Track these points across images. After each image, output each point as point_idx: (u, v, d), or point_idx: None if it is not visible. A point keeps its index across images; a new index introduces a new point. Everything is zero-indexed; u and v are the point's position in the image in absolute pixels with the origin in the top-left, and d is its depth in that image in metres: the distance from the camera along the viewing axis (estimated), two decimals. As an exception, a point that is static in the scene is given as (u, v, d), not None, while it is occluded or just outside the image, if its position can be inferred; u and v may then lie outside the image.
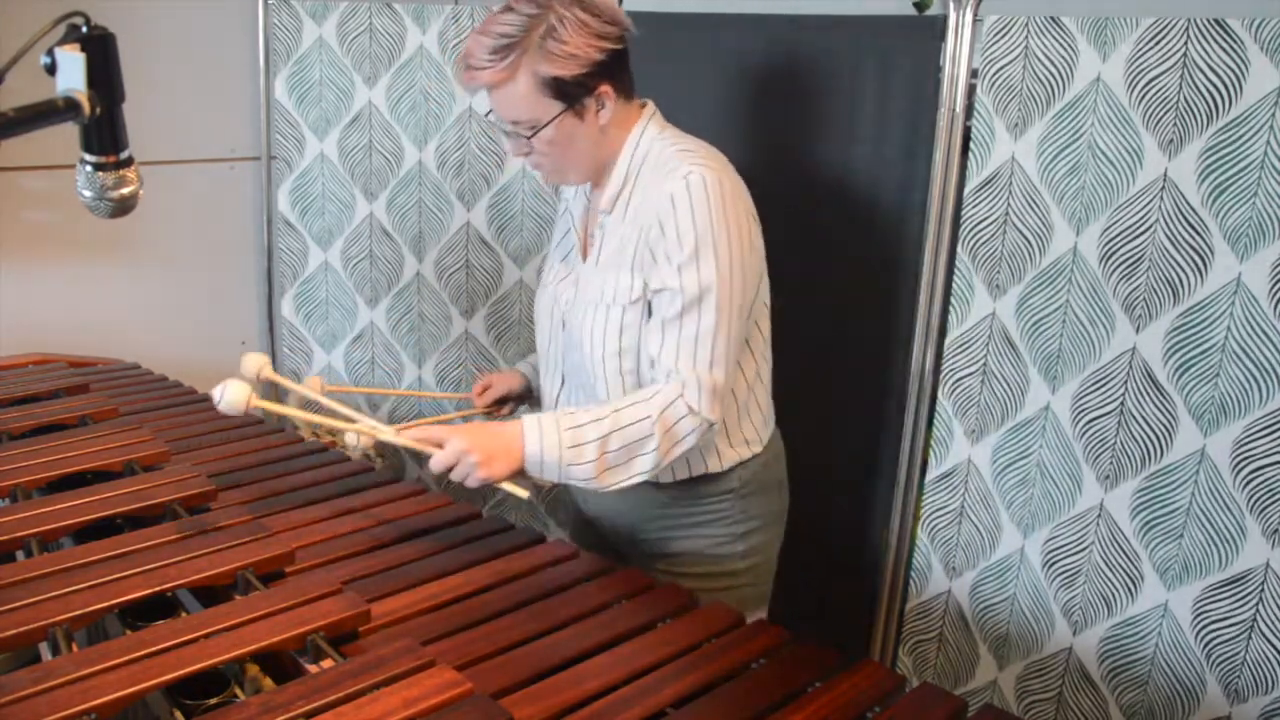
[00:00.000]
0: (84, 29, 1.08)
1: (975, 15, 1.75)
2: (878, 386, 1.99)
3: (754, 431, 1.47)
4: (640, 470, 1.29)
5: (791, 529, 1.64)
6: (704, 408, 1.29)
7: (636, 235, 1.34)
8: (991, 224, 1.80)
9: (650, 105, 1.41)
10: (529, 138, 1.33)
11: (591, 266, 1.41)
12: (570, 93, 1.29)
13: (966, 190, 1.81)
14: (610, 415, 1.27)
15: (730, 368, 1.33)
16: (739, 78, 2.04)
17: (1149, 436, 1.65)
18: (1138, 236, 1.62)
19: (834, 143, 1.98)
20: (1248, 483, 1.55)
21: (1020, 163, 1.75)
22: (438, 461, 1.24)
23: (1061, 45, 1.67)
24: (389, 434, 1.28)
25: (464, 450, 1.23)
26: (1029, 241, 1.76)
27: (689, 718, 0.99)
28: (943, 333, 1.90)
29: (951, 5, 1.77)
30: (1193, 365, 1.59)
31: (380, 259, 2.58)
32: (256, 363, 1.53)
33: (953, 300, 1.87)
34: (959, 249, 1.84)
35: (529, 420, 1.27)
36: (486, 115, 1.41)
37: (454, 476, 1.25)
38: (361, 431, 1.31)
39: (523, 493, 1.28)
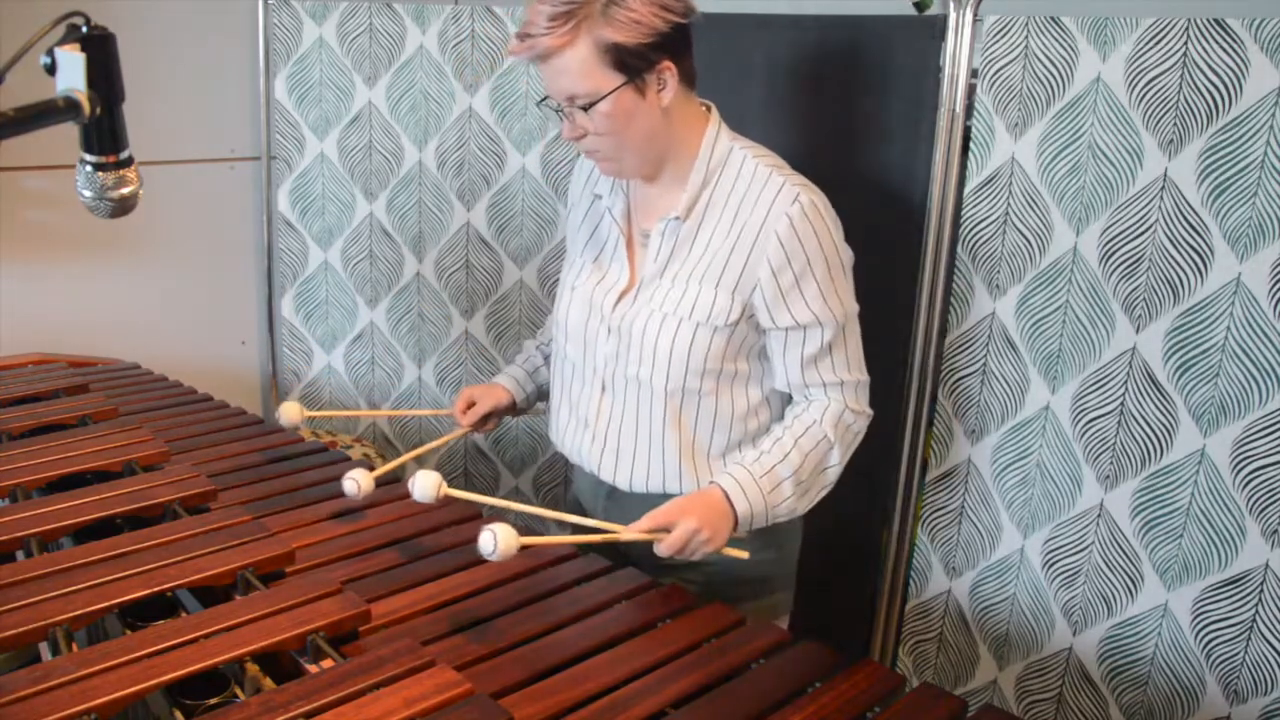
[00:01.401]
0: (84, 29, 1.08)
1: (975, 15, 1.75)
2: (878, 386, 1.99)
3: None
4: (830, 481, 1.40)
5: (791, 529, 1.64)
6: (864, 405, 1.42)
7: (729, 252, 1.31)
8: (991, 224, 1.80)
9: (715, 110, 1.38)
10: (586, 108, 1.26)
11: (655, 275, 1.37)
12: (631, 64, 1.24)
13: (966, 190, 1.81)
14: (794, 448, 1.34)
15: (864, 362, 1.43)
16: (739, 78, 2.04)
17: (1149, 436, 1.65)
18: (1138, 236, 1.62)
19: (834, 143, 1.98)
20: (1247, 483, 1.55)
21: (1020, 163, 1.75)
22: (669, 545, 1.24)
23: (1061, 45, 1.67)
24: (627, 534, 1.27)
25: (695, 529, 1.25)
26: (1029, 241, 1.76)
27: (689, 718, 0.99)
28: (943, 333, 1.90)
29: (951, 5, 1.77)
30: (1193, 365, 1.59)
31: (380, 259, 2.58)
32: (294, 411, 1.58)
33: (953, 300, 1.87)
34: (959, 249, 1.84)
35: (727, 483, 1.31)
36: (541, 102, 1.37)
37: (683, 555, 1.26)
38: (596, 540, 1.30)
39: (743, 554, 1.30)
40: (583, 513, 1.54)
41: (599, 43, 1.22)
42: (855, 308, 1.39)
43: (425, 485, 1.27)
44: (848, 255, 1.37)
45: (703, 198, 1.34)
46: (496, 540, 1.14)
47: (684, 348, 1.33)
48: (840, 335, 1.36)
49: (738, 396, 1.39)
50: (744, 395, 1.40)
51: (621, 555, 1.37)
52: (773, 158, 1.37)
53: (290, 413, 1.56)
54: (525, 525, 1.26)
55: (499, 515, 1.47)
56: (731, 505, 1.29)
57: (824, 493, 1.39)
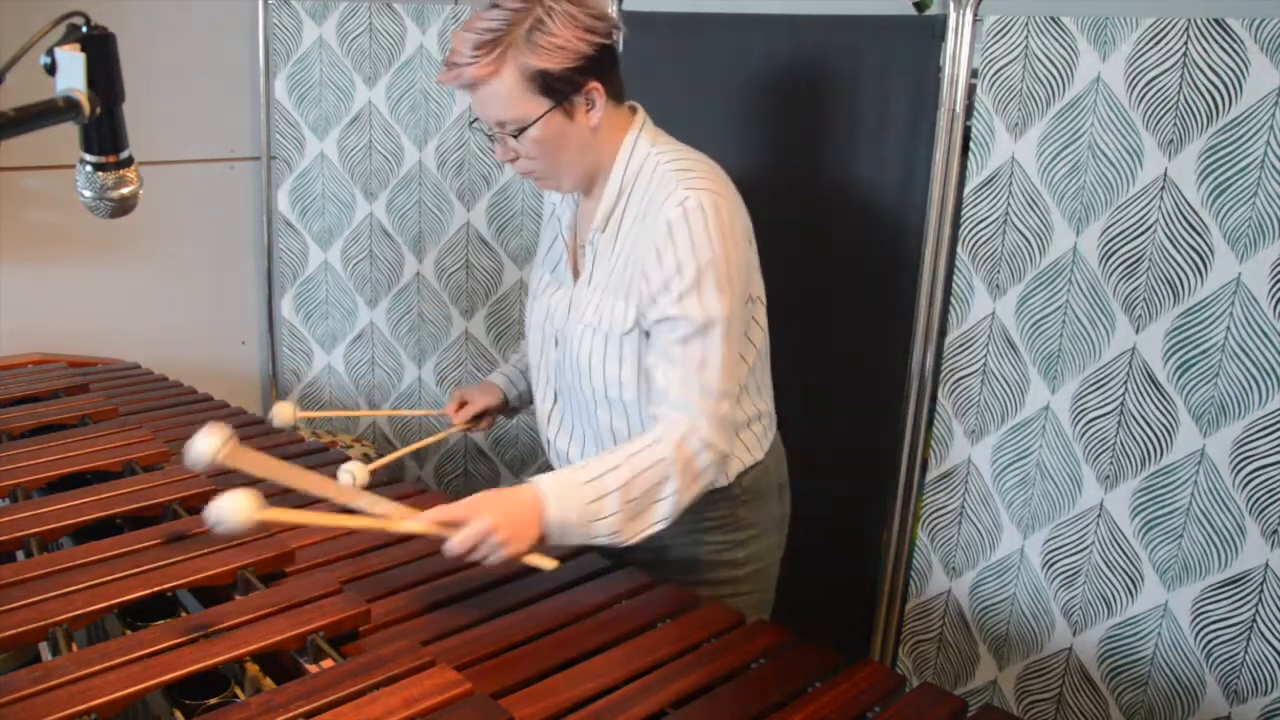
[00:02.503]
0: (84, 29, 1.08)
1: (975, 15, 1.75)
2: (878, 386, 1.99)
3: (753, 439, 1.44)
4: (661, 516, 1.23)
5: (791, 529, 1.64)
6: (717, 439, 1.24)
7: (630, 261, 1.29)
8: (991, 224, 1.80)
9: (640, 111, 1.36)
10: (515, 136, 1.26)
11: (584, 286, 1.37)
12: (558, 88, 1.24)
13: (966, 190, 1.81)
14: (626, 461, 1.20)
15: (735, 394, 1.29)
16: (739, 78, 2.04)
17: (1149, 436, 1.65)
18: (1138, 236, 1.62)
19: (834, 143, 1.98)
20: (1247, 483, 1.55)
21: (1020, 163, 1.75)
22: (458, 545, 1.12)
23: (1061, 45, 1.67)
24: (405, 523, 1.16)
25: (489, 529, 1.11)
26: (1029, 241, 1.76)
27: (689, 718, 0.99)
28: (943, 333, 1.90)
29: (951, 5, 1.77)
30: (1193, 365, 1.59)
31: (380, 259, 2.58)
32: (288, 411, 1.57)
33: (953, 300, 1.87)
34: (959, 249, 1.84)
35: (544, 482, 1.18)
36: (472, 124, 1.35)
37: (475, 557, 1.13)
38: (376, 527, 1.17)
39: (551, 564, 1.19)
40: None
41: (524, 70, 1.22)
42: (724, 319, 1.24)
43: (281, 413, 1.30)
44: (734, 261, 1.25)
45: (618, 208, 1.33)
46: (221, 511, 1.03)
47: (600, 360, 1.33)
48: (699, 345, 1.24)
49: None
50: None
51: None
52: (687, 159, 1.31)
53: (283, 413, 1.56)
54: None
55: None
56: (543, 509, 1.15)
57: (654, 529, 1.23)
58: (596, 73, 1.26)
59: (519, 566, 1.21)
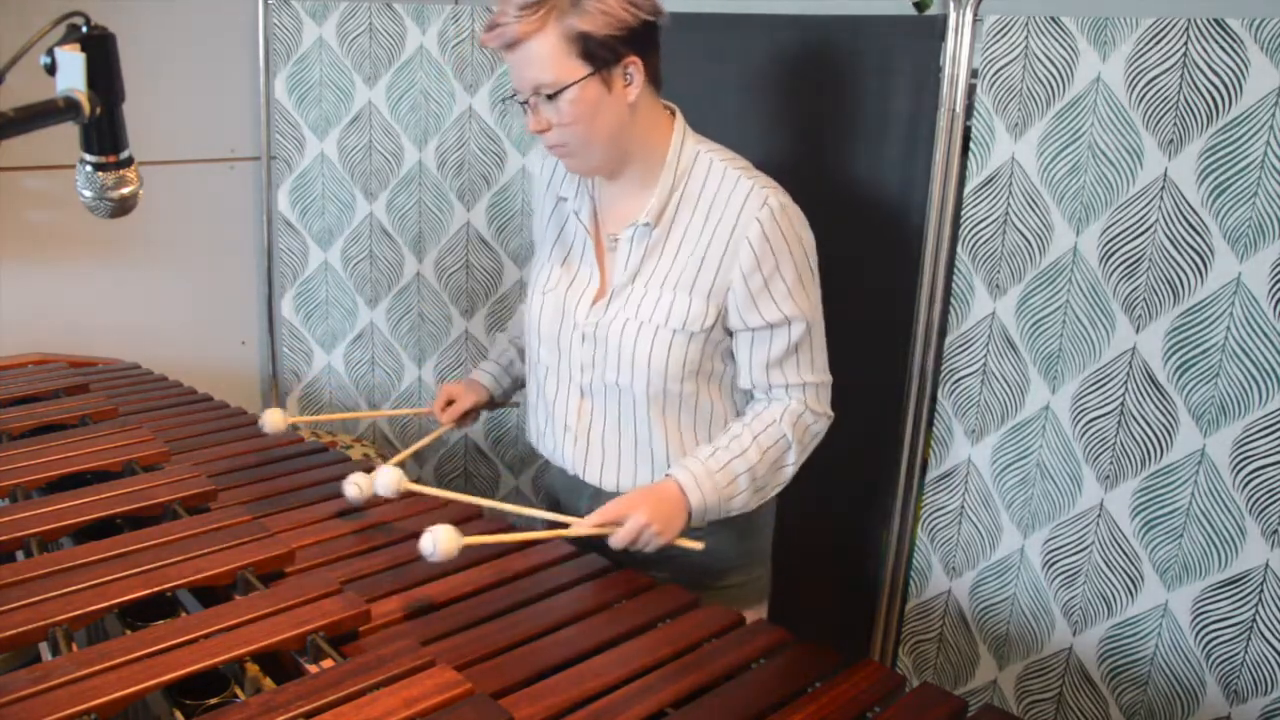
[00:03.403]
0: (84, 29, 1.08)
1: (975, 15, 1.75)
2: (877, 386, 1.99)
3: None
4: (786, 478, 1.41)
5: (791, 529, 1.64)
6: (827, 406, 1.42)
7: (701, 257, 1.32)
8: (991, 224, 1.80)
9: (679, 114, 1.39)
10: (551, 97, 1.26)
11: (627, 280, 1.37)
12: (598, 54, 1.25)
13: (966, 190, 1.81)
14: (752, 444, 1.35)
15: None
16: (739, 78, 2.04)
17: (1149, 436, 1.65)
18: (1138, 236, 1.62)
19: (834, 143, 1.98)
20: (1247, 483, 1.55)
21: (1020, 163, 1.75)
22: (621, 539, 1.27)
23: (1061, 45, 1.67)
24: (578, 529, 1.29)
25: (645, 524, 1.26)
26: (1029, 241, 1.77)
27: (689, 718, 0.99)
28: (943, 333, 1.90)
29: (951, 5, 1.77)
30: (1193, 365, 1.59)
31: (380, 259, 2.58)
32: (278, 417, 1.57)
33: (953, 300, 1.87)
34: (959, 249, 1.84)
35: (683, 477, 1.31)
36: (508, 100, 1.37)
37: (636, 547, 1.28)
38: (555, 536, 1.33)
39: (697, 545, 1.32)
40: (558, 508, 1.54)
41: (567, 31, 1.23)
42: (820, 309, 1.39)
43: (388, 481, 1.34)
44: (815, 256, 1.37)
45: (672, 203, 1.35)
46: (436, 542, 1.16)
47: (662, 354, 1.34)
48: (806, 336, 1.36)
49: (723, 393, 1.42)
50: (728, 391, 1.43)
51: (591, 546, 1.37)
52: (739, 160, 1.37)
53: (274, 419, 1.55)
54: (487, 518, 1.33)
55: (499, 510, 1.47)
56: (685, 498, 1.30)
57: (778, 489, 1.41)
58: (637, 47, 1.28)
59: (515, 570, 1.27)
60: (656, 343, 1.34)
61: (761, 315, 1.33)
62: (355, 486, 1.37)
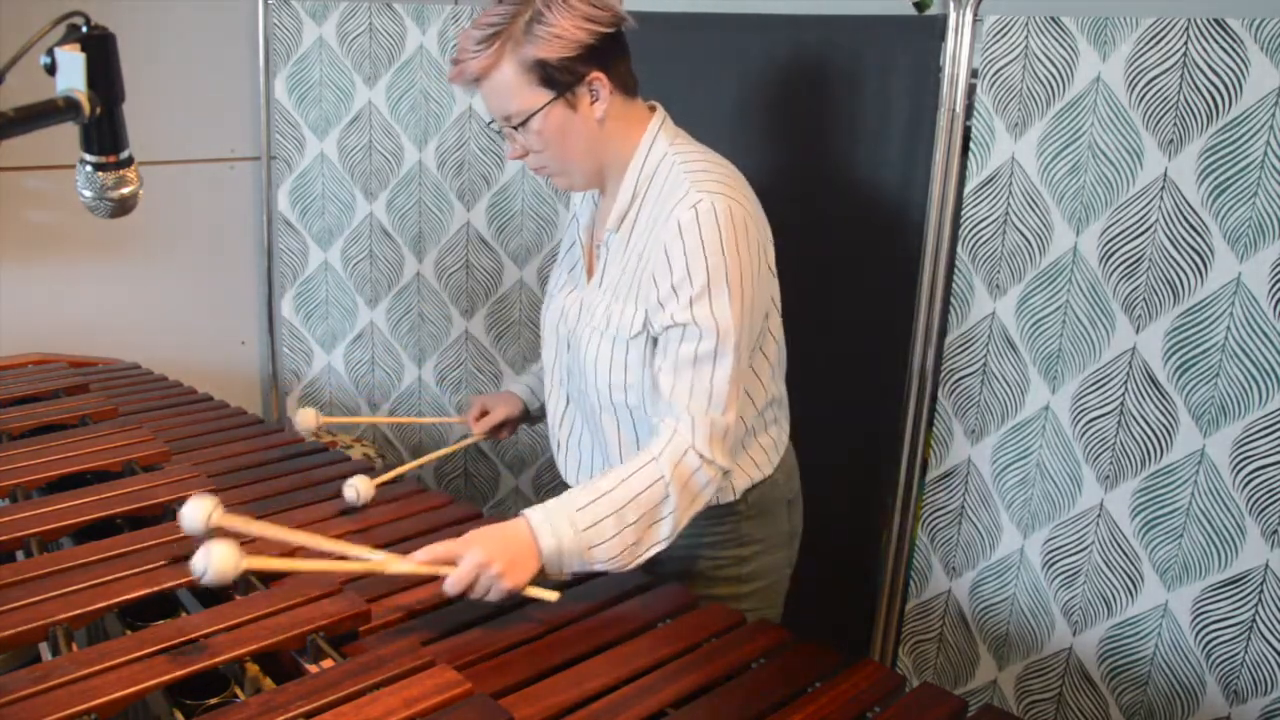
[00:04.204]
0: (84, 29, 1.08)
1: (975, 15, 1.75)
2: (878, 386, 1.99)
3: (762, 454, 1.41)
4: (661, 537, 1.20)
5: (791, 529, 1.64)
6: (716, 455, 1.21)
7: (639, 263, 1.28)
8: (991, 224, 1.80)
9: (659, 110, 1.35)
10: (517, 127, 1.26)
11: (595, 287, 1.36)
12: (558, 79, 1.24)
13: (966, 190, 1.81)
14: (620, 485, 1.18)
15: (738, 408, 1.25)
16: (738, 78, 2.04)
17: (1149, 436, 1.65)
18: (1138, 236, 1.62)
19: (834, 143, 1.98)
20: (1247, 483, 1.55)
21: (1020, 163, 1.75)
22: (455, 582, 1.10)
23: (1061, 45, 1.67)
24: (397, 564, 1.13)
25: (482, 563, 1.10)
26: (1029, 241, 1.77)
27: (689, 718, 0.99)
28: (943, 333, 1.90)
29: (951, 5, 1.77)
30: (1193, 365, 1.59)
31: (380, 259, 2.58)
32: (310, 418, 1.56)
33: (953, 300, 1.87)
34: (959, 249, 1.84)
35: (534, 515, 1.16)
36: (489, 125, 1.36)
37: (475, 594, 1.11)
38: (369, 571, 1.15)
39: (552, 595, 1.16)
40: None
41: (523, 61, 1.23)
42: (743, 335, 1.23)
43: (304, 420, 1.35)
44: (747, 272, 1.23)
45: (633, 209, 1.32)
46: (209, 562, 1.00)
47: (606, 364, 1.31)
48: (711, 356, 1.21)
49: None
50: None
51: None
52: (703, 162, 1.29)
53: (306, 419, 1.55)
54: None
55: (500, 509, 1.46)
56: (536, 540, 1.14)
57: (654, 550, 1.21)
58: (599, 63, 1.26)
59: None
60: (601, 351, 1.32)
61: (670, 316, 1.22)
62: (353, 490, 1.38)
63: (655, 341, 1.27)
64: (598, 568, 1.18)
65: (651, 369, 1.28)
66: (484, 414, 1.62)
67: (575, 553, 1.16)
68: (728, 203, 1.22)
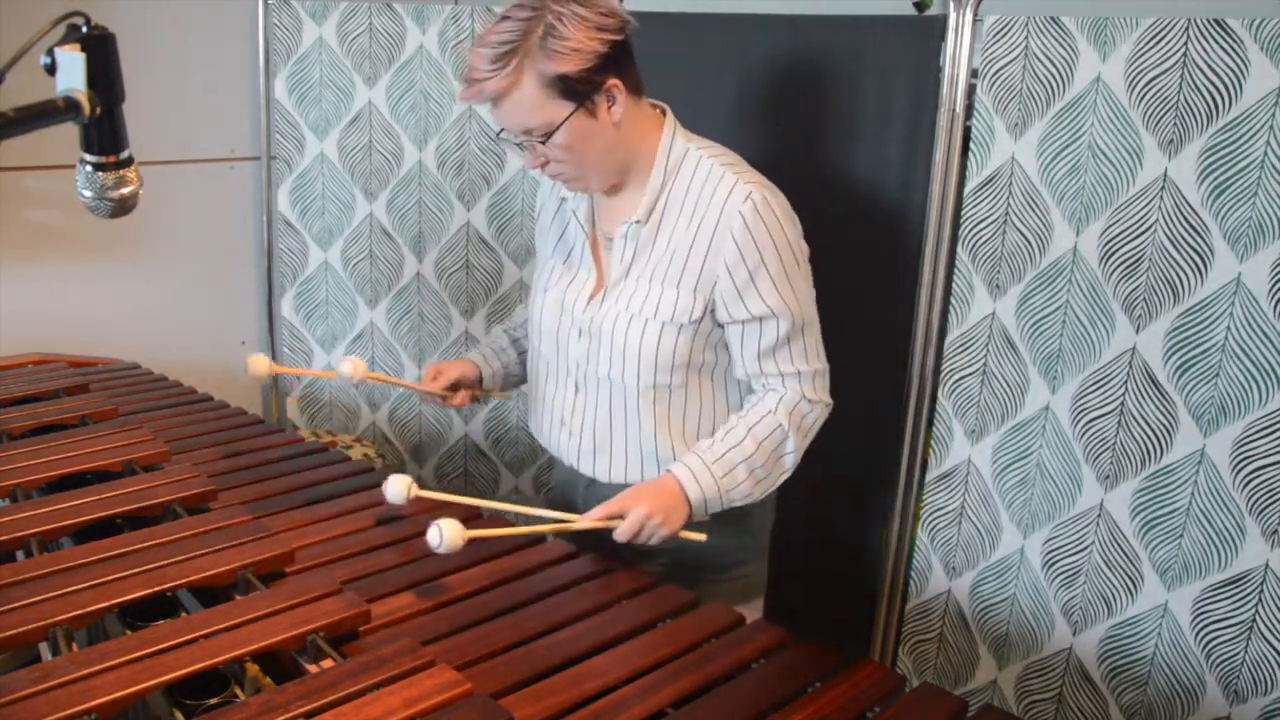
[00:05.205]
0: (84, 29, 1.08)
1: (975, 15, 1.75)
2: (877, 386, 1.99)
3: None
4: (787, 466, 1.41)
5: (791, 530, 1.64)
6: (821, 395, 1.42)
7: (690, 253, 1.34)
8: (991, 224, 1.80)
9: (669, 112, 1.40)
10: (543, 143, 1.30)
11: (621, 277, 1.39)
12: (578, 90, 1.26)
13: (966, 190, 1.81)
14: (747, 436, 1.36)
15: (819, 353, 1.43)
16: (739, 78, 2.04)
17: (1149, 436, 1.65)
18: (1138, 236, 1.62)
19: (834, 143, 1.98)
20: (1247, 483, 1.55)
21: (1020, 163, 1.75)
22: (624, 531, 1.30)
23: (1061, 45, 1.67)
24: (581, 522, 1.32)
25: (647, 515, 1.30)
26: (1029, 241, 1.77)
27: (689, 718, 0.99)
28: (943, 333, 1.90)
29: (951, 5, 1.77)
30: (1193, 365, 1.59)
31: (380, 259, 2.58)
32: (262, 364, 1.55)
33: (953, 300, 1.87)
34: (959, 249, 1.84)
35: (679, 470, 1.35)
36: (499, 135, 1.37)
37: (640, 540, 1.31)
38: (558, 529, 1.35)
39: (700, 536, 1.35)
40: (565, 503, 1.56)
41: (543, 77, 1.24)
42: (812, 299, 1.40)
43: (396, 488, 1.37)
44: (802, 250, 1.38)
45: (661, 200, 1.37)
46: (442, 533, 1.20)
47: (652, 346, 1.37)
48: (795, 328, 1.37)
49: (714, 384, 1.43)
50: (719, 382, 1.44)
51: (597, 541, 1.38)
52: (728, 156, 1.38)
53: (258, 366, 1.54)
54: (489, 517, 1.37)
55: (500, 510, 1.47)
56: (684, 492, 1.33)
57: (782, 479, 1.42)
58: (614, 69, 1.29)
59: (515, 570, 1.27)
60: (647, 335, 1.37)
61: (748, 309, 1.34)
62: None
63: (718, 325, 1.38)
64: (736, 504, 1.39)
65: (704, 350, 1.39)
66: (439, 375, 1.64)
67: (715, 498, 1.36)
68: (770, 190, 1.34)
